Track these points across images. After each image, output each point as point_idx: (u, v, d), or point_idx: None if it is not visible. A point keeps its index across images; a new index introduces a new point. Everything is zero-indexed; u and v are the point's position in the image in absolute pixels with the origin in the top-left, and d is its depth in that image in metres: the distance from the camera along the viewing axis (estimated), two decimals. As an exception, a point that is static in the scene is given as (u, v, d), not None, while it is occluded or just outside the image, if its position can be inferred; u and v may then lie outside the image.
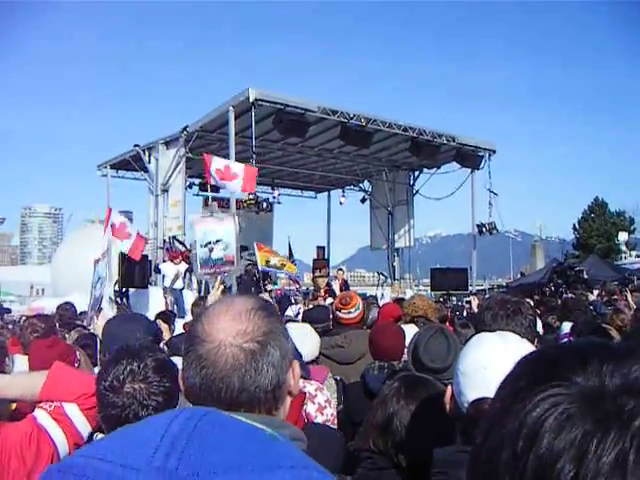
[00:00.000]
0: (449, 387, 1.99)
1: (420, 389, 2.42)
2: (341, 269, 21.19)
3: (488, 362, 1.85)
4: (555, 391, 0.68)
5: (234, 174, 14.15)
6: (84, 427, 2.35)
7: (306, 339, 4.59)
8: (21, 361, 4.55)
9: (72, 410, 2.34)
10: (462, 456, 1.80)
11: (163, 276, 16.87)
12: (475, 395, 1.84)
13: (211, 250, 13.97)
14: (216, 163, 14.10)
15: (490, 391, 1.76)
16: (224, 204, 23.26)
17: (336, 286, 17.84)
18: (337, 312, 5.80)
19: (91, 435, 2.37)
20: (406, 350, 4.43)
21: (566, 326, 6.52)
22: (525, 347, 1.93)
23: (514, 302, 2.94)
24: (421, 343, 4.02)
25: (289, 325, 5.02)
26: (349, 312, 5.74)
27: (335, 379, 4.54)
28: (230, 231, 14.05)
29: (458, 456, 1.82)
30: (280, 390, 1.42)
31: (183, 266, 16.44)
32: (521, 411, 0.69)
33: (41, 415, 2.31)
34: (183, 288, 16.74)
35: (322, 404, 3.56)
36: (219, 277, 11.82)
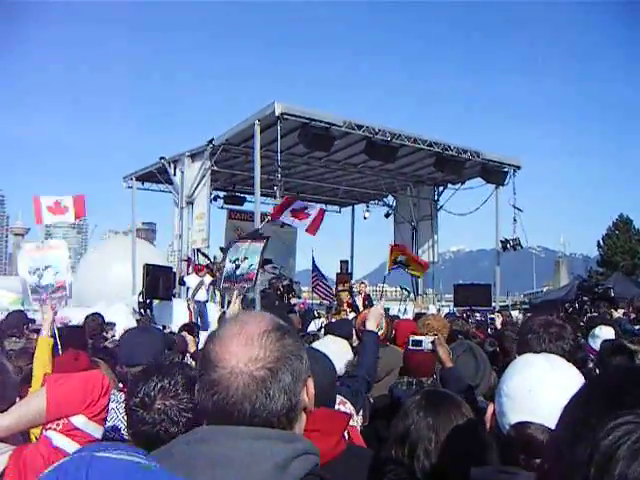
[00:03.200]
0: (491, 405, 1.97)
1: (441, 403, 2.43)
2: (363, 282, 21.14)
3: (534, 386, 1.83)
4: (627, 419, 0.69)
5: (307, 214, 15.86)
6: (98, 432, 2.34)
7: (342, 355, 4.59)
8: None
9: (81, 421, 2.32)
10: (502, 477, 1.80)
11: (187, 288, 16.96)
12: (518, 418, 1.82)
13: (237, 267, 14.24)
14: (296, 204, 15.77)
15: (534, 415, 1.81)
16: (248, 217, 23.39)
17: (359, 300, 17.81)
18: (360, 333, 5.77)
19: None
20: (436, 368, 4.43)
21: (591, 343, 6.43)
22: (572, 372, 1.90)
23: (558, 325, 2.92)
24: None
25: (328, 339, 5.00)
26: None
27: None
28: (257, 251, 14.53)
29: (498, 476, 1.81)
30: (294, 412, 1.44)
31: (208, 279, 16.52)
32: (593, 438, 0.70)
33: (54, 437, 2.27)
34: (207, 301, 16.80)
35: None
36: (236, 291, 11.94)
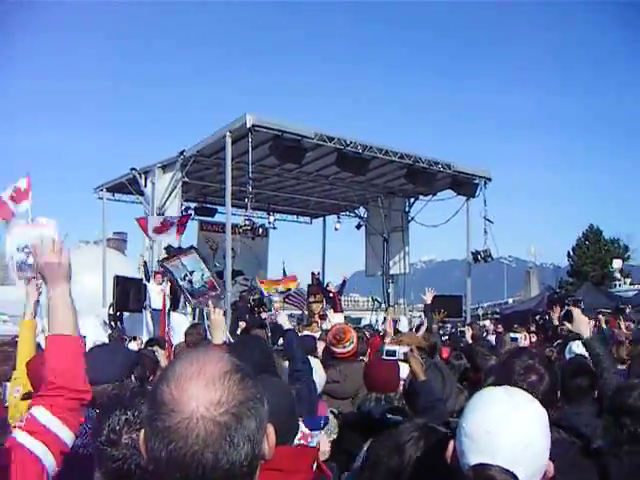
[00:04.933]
0: (451, 442, 1.90)
1: (440, 445, 2.35)
2: (328, 284, 21.46)
3: (492, 427, 1.77)
4: None
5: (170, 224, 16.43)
6: (61, 431, 2.24)
7: (316, 374, 4.60)
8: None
9: (44, 416, 2.23)
10: None
11: (148, 297, 16.86)
12: (477, 459, 1.76)
13: (190, 281, 14.30)
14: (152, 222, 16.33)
15: (494, 457, 1.75)
16: (219, 229, 23.34)
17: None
18: (331, 347, 5.78)
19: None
20: (402, 383, 4.44)
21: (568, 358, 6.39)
22: (534, 409, 1.84)
23: (538, 374, 2.83)
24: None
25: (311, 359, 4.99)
26: (344, 347, 5.73)
27: (333, 412, 4.51)
28: (195, 261, 14.64)
29: None
30: (256, 461, 1.33)
31: (166, 285, 16.31)
32: None
33: (19, 435, 2.19)
34: (168, 310, 16.56)
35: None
36: (210, 302, 11.91)
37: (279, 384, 2.85)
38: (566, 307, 5.33)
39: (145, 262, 19.33)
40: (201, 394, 1.26)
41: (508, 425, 1.77)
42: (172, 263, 14.92)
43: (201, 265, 14.57)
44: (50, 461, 2.18)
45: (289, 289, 20.88)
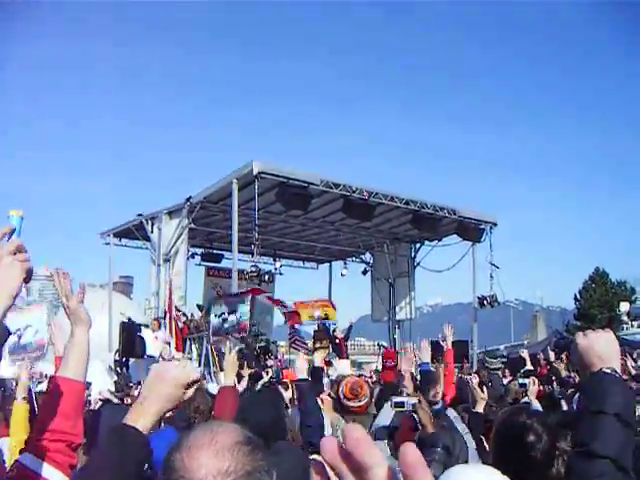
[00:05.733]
0: None
1: None
2: (335, 330, 21.43)
3: None
4: None
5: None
6: (52, 474, 2.22)
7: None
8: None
9: (33, 462, 2.22)
10: None
11: (144, 344, 16.84)
12: None
13: (224, 320, 14.32)
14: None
15: None
16: (226, 274, 23.34)
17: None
18: (345, 401, 5.72)
19: None
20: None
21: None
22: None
23: (536, 435, 2.74)
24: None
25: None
26: (359, 401, 5.69)
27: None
28: (244, 304, 14.69)
29: None
30: None
31: (160, 334, 16.35)
32: None
33: None
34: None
35: None
36: (228, 342, 11.92)
37: (296, 454, 2.86)
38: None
39: (129, 318, 19.42)
40: (210, 463, 1.30)
41: None
42: (218, 302, 15.02)
43: (246, 307, 14.65)
44: None
45: (326, 315, 20.98)
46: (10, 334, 1.78)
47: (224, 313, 14.79)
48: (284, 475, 1.49)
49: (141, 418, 1.90)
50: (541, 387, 8.66)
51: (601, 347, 2.32)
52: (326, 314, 21.08)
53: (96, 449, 1.97)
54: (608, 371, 2.22)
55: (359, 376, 7.43)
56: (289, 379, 8.97)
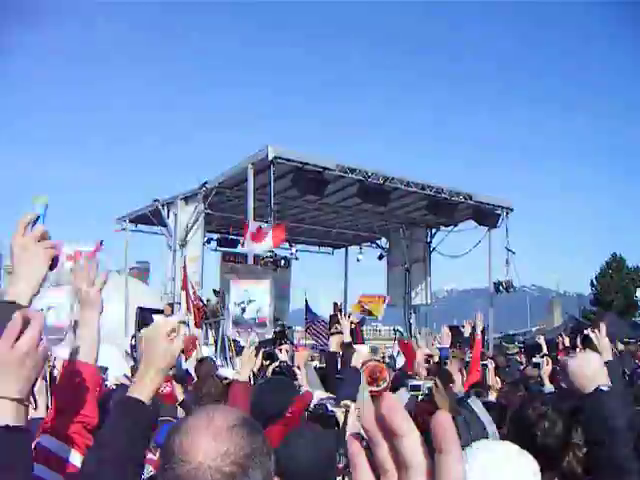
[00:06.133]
0: None
1: None
2: (350, 315, 21.36)
3: (487, 470, 1.92)
4: None
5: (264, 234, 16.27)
6: (71, 455, 2.30)
7: None
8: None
9: (53, 444, 2.29)
10: None
11: None
12: None
13: (244, 310, 14.16)
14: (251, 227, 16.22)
15: None
16: (242, 260, 23.32)
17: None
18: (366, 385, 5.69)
19: None
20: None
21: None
22: (523, 461, 2.01)
23: (551, 421, 2.81)
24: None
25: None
26: (378, 385, 5.66)
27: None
28: (264, 292, 14.37)
29: None
30: None
31: (175, 317, 16.28)
32: None
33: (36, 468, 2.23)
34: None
35: None
36: (250, 336, 11.88)
37: (316, 437, 2.84)
38: (585, 331, 5.00)
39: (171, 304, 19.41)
40: (209, 445, 1.31)
41: (500, 468, 1.95)
42: (238, 285, 14.83)
43: (265, 298, 14.48)
44: None
45: (369, 311, 21.07)
46: None
47: (243, 302, 14.62)
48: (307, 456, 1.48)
49: (140, 387, 1.92)
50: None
51: (589, 368, 2.65)
52: (369, 311, 21.12)
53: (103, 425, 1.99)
54: (604, 389, 2.55)
55: (378, 361, 7.44)
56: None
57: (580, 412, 3.89)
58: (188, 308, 16.98)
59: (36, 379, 1.57)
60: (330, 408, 3.89)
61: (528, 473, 1.95)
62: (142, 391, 1.89)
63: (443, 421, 0.65)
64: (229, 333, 15.07)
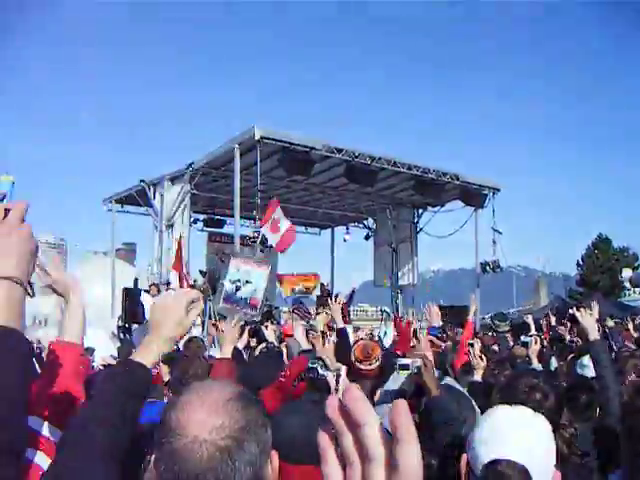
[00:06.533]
0: (464, 455, 2.07)
1: None
2: (337, 295, 21.32)
3: (504, 427, 1.99)
4: None
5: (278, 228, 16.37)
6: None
7: None
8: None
9: (43, 428, 2.27)
10: None
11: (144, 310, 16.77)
12: (489, 458, 1.94)
13: (238, 288, 14.16)
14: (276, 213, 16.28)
15: (504, 453, 1.92)
16: (228, 240, 23.29)
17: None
18: (357, 363, 5.66)
19: None
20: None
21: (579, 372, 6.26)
22: (541, 419, 2.07)
23: (543, 393, 2.84)
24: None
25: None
26: (370, 364, 5.64)
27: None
28: (262, 277, 14.43)
29: None
30: None
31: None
32: None
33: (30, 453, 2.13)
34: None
35: None
36: (237, 315, 11.85)
37: (315, 410, 2.83)
38: (570, 310, 5.03)
39: (136, 278, 19.39)
40: (205, 419, 1.33)
41: (517, 426, 2.00)
42: (237, 264, 14.79)
43: (262, 283, 14.48)
44: None
45: (308, 289, 21.00)
46: None
47: (239, 280, 14.56)
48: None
49: (145, 352, 1.89)
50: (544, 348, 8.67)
51: (592, 323, 4.19)
52: (307, 288, 21.14)
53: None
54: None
55: (371, 339, 7.43)
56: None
57: (571, 391, 4.09)
58: (182, 287, 16.93)
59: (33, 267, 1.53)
60: (321, 372, 3.90)
61: (544, 434, 2.03)
62: (146, 356, 1.86)
63: (401, 410, 0.65)
64: (219, 307, 15.05)
